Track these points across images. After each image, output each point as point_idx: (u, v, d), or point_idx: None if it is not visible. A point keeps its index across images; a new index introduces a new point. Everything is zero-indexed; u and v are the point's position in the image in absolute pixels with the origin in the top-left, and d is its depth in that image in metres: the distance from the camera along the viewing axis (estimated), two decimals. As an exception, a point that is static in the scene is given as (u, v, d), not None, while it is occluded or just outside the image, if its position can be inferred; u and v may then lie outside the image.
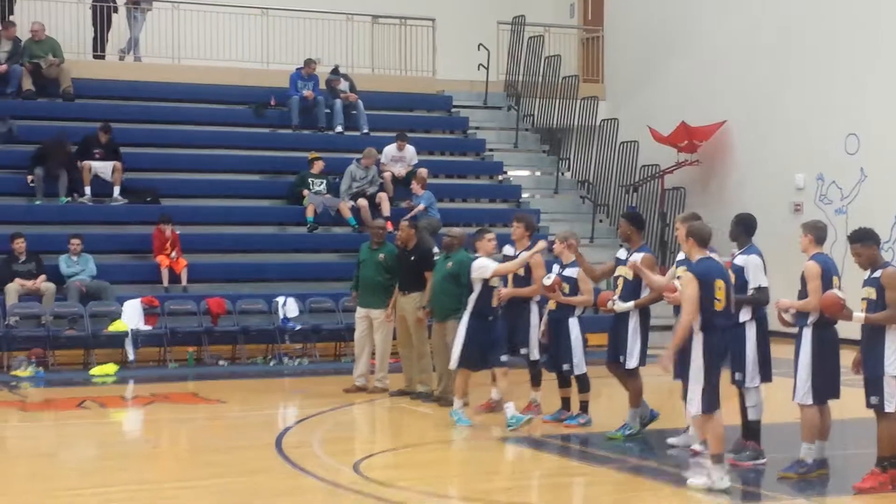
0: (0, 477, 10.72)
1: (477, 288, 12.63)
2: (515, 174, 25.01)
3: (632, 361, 12.06)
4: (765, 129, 23.04)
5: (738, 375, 10.89)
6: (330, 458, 11.28)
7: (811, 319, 10.12)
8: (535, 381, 13.57)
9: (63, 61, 22.43)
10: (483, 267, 12.24)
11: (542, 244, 13.11)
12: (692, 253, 10.29)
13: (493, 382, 13.56)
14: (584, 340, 12.92)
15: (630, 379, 12.18)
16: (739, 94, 23.59)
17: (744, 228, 11.21)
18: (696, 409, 9.90)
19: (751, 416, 11.01)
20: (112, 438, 13.30)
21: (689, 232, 10.37)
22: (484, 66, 26.11)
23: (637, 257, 12.04)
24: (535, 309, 13.41)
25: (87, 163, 20.41)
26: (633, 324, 12.08)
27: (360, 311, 15.47)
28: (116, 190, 20.62)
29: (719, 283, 9.99)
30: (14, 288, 18.08)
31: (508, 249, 13.76)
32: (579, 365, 12.82)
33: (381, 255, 15.32)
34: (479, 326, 12.61)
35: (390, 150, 22.49)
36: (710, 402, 9.86)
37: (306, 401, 15.32)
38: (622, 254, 12.47)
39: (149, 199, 20.93)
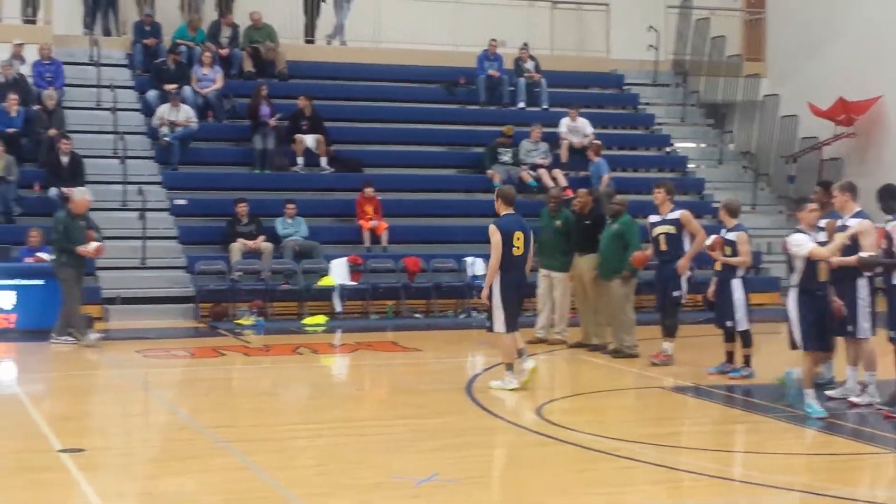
0: (228, 411, 11.08)
1: (799, 265, 10.56)
2: (682, 146, 24.61)
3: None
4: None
5: (892, 333, 10.57)
6: (514, 403, 11.33)
7: None
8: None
9: (278, 45, 22.89)
10: (800, 245, 10.50)
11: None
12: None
13: (663, 337, 13.51)
14: (747, 299, 12.75)
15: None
16: (895, 71, 22.76)
17: (889, 196, 10.83)
18: None
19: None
20: (322, 381, 13.60)
21: None
22: (654, 47, 25.72)
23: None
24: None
25: (299, 136, 20.83)
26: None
27: (542, 271, 15.51)
28: (324, 161, 20.98)
29: None
30: (237, 247, 18.60)
31: (653, 217, 13.63)
32: (741, 321, 12.67)
33: (558, 222, 15.28)
34: (810, 303, 10.54)
35: (566, 121, 22.42)
36: None
37: (492, 350, 15.38)
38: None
39: (353, 168, 21.26)
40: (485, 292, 11.75)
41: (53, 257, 15.35)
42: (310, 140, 20.89)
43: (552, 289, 15.35)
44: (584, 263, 14.80)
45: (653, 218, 13.68)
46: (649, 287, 16.64)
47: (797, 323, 10.52)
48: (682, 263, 13.34)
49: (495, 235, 11.56)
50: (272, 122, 20.65)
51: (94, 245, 15.10)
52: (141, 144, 20.69)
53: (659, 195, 13.60)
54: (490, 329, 11.90)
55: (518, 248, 11.61)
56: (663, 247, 13.47)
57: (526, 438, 9.74)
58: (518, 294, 11.86)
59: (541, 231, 15.55)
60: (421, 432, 9.93)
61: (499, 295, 11.69)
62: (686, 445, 9.83)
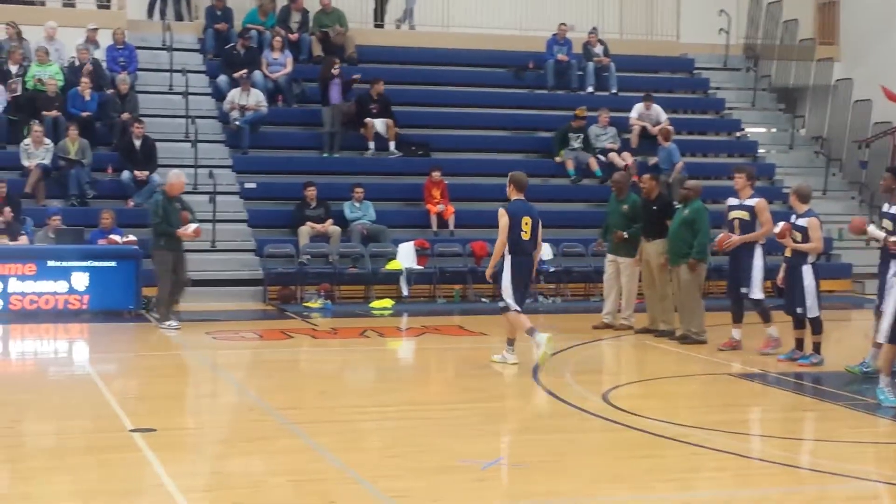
0: (295, 393, 11.15)
1: None
2: (752, 131, 24.33)
3: None
4: None
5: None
6: (580, 387, 11.29)
7: None
8: (766, 318, 13.31)
9: (348, 30, 22.94)
10: None
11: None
12: None
13: (733, 323, 13.41)
14: (818, 286, 12.59)
15: None
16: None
17: None
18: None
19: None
20: (388, 364, 13.65)
21: None
22: (725, 31, 25.43)
23: None
24: (759, 252, 13.22)
25: (369, 120, 20.86)
26: None
27: (609, 256, 15.45)
28: (392, 145, 21.02)
29: None
30: (306, 230, 18.71)
31: (732, 200, 13.52)
32: (812, 308, 12.52)
33: (625, 206, 15.19)
34: None
35: (639, 107, 22.28)
36: None
37: (559, 335, 15.33)
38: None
39: (420, 152, 21.27)
40: (489, 272, 12.51)
41: (150, 241, 15.46)
42: (379, 124, 20.93)
43: (619, 274, 15.27)
44: (652, 249, 14.70)
45: (731, 201, 13.60)
46: (717, 273, 16.58)
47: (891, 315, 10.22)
48: (733, 241, 13.17)
49: (503, 219, 12.18)
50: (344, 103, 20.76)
51: (192, 227, 15.10)
52: (212, 128, 20.87)
53: (739, 180, 13.47)
54: (505, 309, 12.39)
55: (526, 232, 12.20)
56: (737, 232, 13.35)
57: (592, 423, 9.70)
58: (527, 275, 12.43)
59: (608, 215, 15.51)
60: (487, 416, 9.93)
61: (509, 276, 12.26)
62: (754, 433, 9.73)
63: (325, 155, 20.77)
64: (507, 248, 12.27)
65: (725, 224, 13.60)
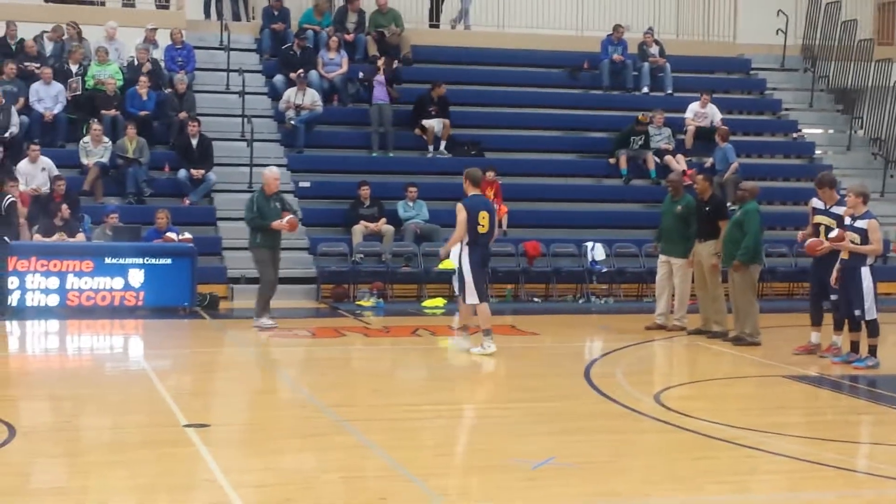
0: (348, 391, 11.18)
1: None
2: (809, 132, 24.09)
3: None
4: None
5: None
6: (632, 388, 11.23)
7: None
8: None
9: (403, 30, 22.99)
10: None
11: None
12: None
13: (813, 326, 13.19)
14: (875, 288, 12.40)
15: None
16: None
17: None
18: None
19: None
20: (440, 363, 13.63)
21: None
22: (782, 31, 25.20)
23: None
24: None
25: (428, 123, 20.85)
26: None
27: (662, 257, 15.36)
28: (443, 144, 21.05)
29: None
30: (359, 229, 18.77)
31: (816, 202, 13.18)
32: (870, 310, 12.33)
33: (679, 207, 15.09)
34: None
35: (694, 106, 22.15)
36: None
37: (611, 336, 15.31)
38: None
39: (473, 152, 21.27)
40: (442, 252, 14.03)
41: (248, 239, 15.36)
42: (437, 124, 20.92)
43: (671, 275, 15.18)
44: (704, 250, 14.60)
45: (816, 203, 13.10)
46: (771, 274, 16.41)
47: None
48: (825, 247, 12.79)
49: (461, 213, 12.86)
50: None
51: (287, 217, 14.89)
52: (267, 127, 21.00)
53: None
54: (464, 300, 13.15)
55: (483, 226, 12.88)
56: (822, 237, 13.03)
57: (644, 424, 9.65)
58: (484, 267, 13.21)
59: (662, 216, 15.42)
60: (538, 416, 9.90)
61: (468, 269, 12.96)
62: (809, 435, 9.62)
63: (373, 154, 20.82)
64: (464, 241, 12.96)
65: (810, 226, 13.24)
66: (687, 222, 14.94)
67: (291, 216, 15.03)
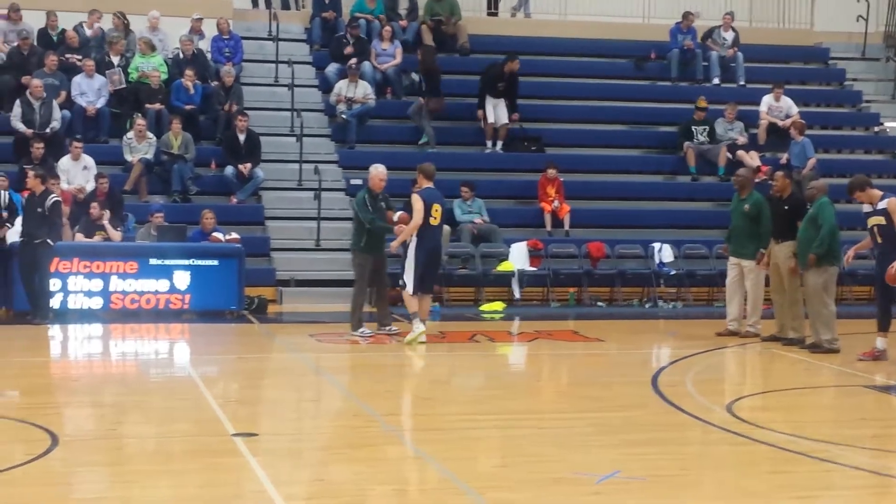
0: (401, 399, 11.23)
1: None
2: (892, 125, 23.81)
3: None
4: None
5: None
6: (702, 398, 11.17)
7: None
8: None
9: (460, 19, 23.03)
10: None
11: None
12: None
13: (879, 332, 13.10)
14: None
15: None
16: None
17: None
18: None
19: None
20: (499, 370, 13.66)
21: None
22: (863, 18, 24.95)
23: None
24: None
25: (488, 105, 20.72)
26: None
27: (732, 259, 15.26)
28: (499, 144, 21.04)
29: None
30: (413, 229, 18.78)
31: (866, 207, 13.13)
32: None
33: (747, 206, 14.98)
34: None
35: (768, 99, 21.98)
36: None
37: (679, 342, 15.24)
38: None
39: (533, 148, 21.27)
40: (394, 246, 14.42)
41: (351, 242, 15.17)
42: (500, 109, 20.84)
43: (742, 277, 15.08)
44: (782, 251, 14.49)
45: (866, 208, 13.23)
46: (851, 277, 16.25)
47: None
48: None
49: (418, 203, 13.88)
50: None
51: (398, 214, 14.95)
52: (318, 122, 21.14)
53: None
54: (402, 287, 14.13)
55: (435, 218, 14.02)
56: (878, 238, 13.00)
57: (715, 436, 9.60)
58: (431, 259, 14.15)
59: (731, 216, 15.32)
60: (602, 426, 9.89)
61: (413, 258, 13.93)
62: (890, 449, 9.54)
63: (424, 148, 20.72)
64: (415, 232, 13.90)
65: (868, 231, 13.20)
66: (757, 221, 14.83)
67: (402, 212, 15.05)
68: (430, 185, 14.26)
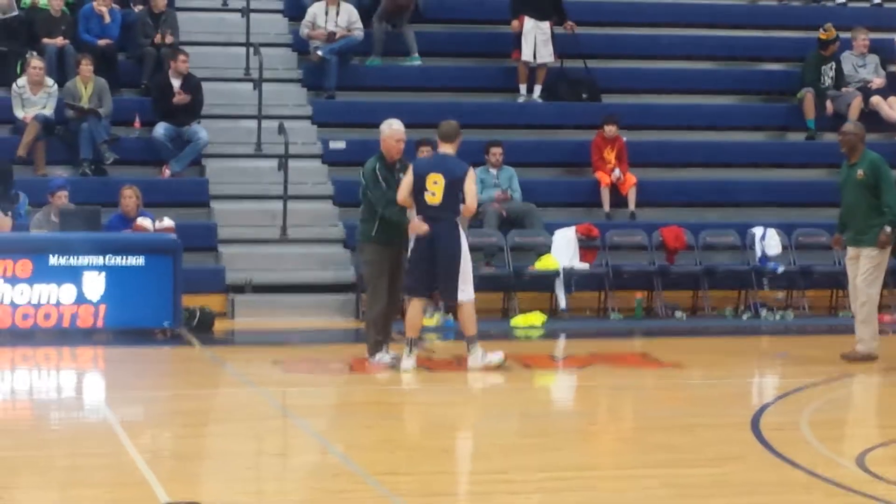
0: (401, 452, 11.22)
1: None
2: None
3: None
4: None
5: None
6: (823, 446, 11.16)
7: None
8: None
9: None
10: None
11: None
12: None
13: None
14: None
15: None
16: None
17: None
18: None
19: None
20: (538, 409, 13.61)
21: None
22: None
23: None
24: None
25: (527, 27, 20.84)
26: None
27: (850, 252, 15.18)
28: (537, 89, 21.04)
29: None
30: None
31: None
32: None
33: (860, 172, 14.91)
34: None
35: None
36: None
37: (791, 368, 15.24)
38: None
39: (585, 95, 21.26)
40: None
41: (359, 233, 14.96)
42: (540, 37, 20.82)
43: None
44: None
45: None
46: None
47: None
48: None
49: (407, 176, 14.24)
50: None
51: (420, 223, 14.29)
52: (283, 61, 21.19)
53: None
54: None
55: (434, 194, 14.15)
56: None
57: (842, 500, 9.58)
58: (422, 251, 14.24)
59: (840, 191, 15.27)
60: (686, 487, 9.88)
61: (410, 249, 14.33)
62: None
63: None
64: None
65: None
66: (875, 195, 14.77)
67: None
68: (446, 149, 14.43)
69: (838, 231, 15.70)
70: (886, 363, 14.89)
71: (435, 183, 14.09)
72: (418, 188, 14.07)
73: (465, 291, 14.31)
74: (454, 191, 14.15)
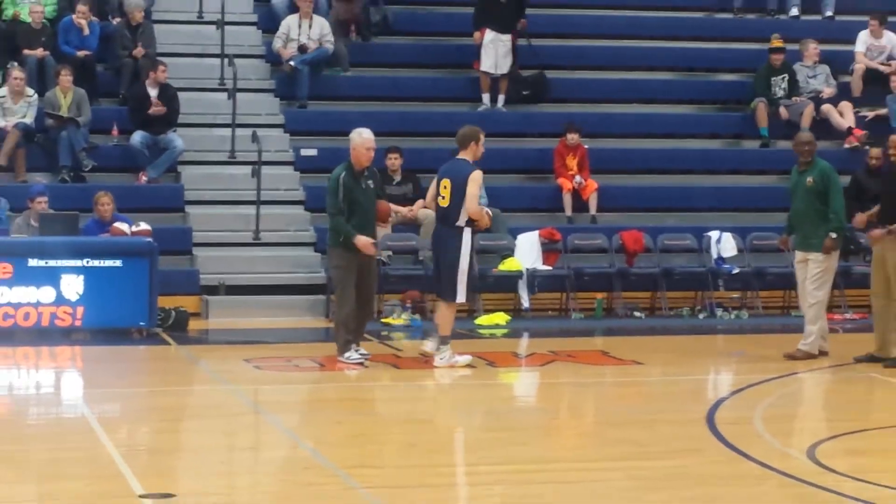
0: (371, 446, 11.18)
1: None
2: None
3: None
4: None
5: None
6: (776, 439, 11.19)
7: None
8: None
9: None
10: None
11: None
12: None
13: None
14: None
15: None
16: None
17: None
18: None
19: None
20: (502, 405, 13.59)
21: None
22: None
23: None
24: None
25: (486, 45, 20.81)
26: None
27: (799, 255, 15.21)
28: (501, 99, 21.03)
29: None
30: (386, 215, 18.73)
31: None
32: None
33: (810, 179, 14.94)
34: None
35: (864, 37, 22.01)
36: None
37: (745, 365, 15.24)
38: None
39: (546, 101, 21.25)
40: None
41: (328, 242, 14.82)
42: (501, 46, 20.84)
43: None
44: (891, 242, 14.48)
45: None
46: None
47: None
48: None
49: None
50: None
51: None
52: (256, 72, 21.14)
53: None
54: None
55: (444, 198, 14.27)
56: None
57: (793, 491, 9.59)
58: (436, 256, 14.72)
59: (791, 196, 15.30)
60: (645, 480, 9.86)
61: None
62: None
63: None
64: None
65: None
66: (823, 201, 14.80)
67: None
68: (461, 154, 14.61)
69: (786, 232, 15.72)
70: (835, 360, 14.93)
71: (445, 187, 14.23)
72: (435, 193, 14.38)
73: (459, 293, 14.40)
74: (460, 194, 14.16)
